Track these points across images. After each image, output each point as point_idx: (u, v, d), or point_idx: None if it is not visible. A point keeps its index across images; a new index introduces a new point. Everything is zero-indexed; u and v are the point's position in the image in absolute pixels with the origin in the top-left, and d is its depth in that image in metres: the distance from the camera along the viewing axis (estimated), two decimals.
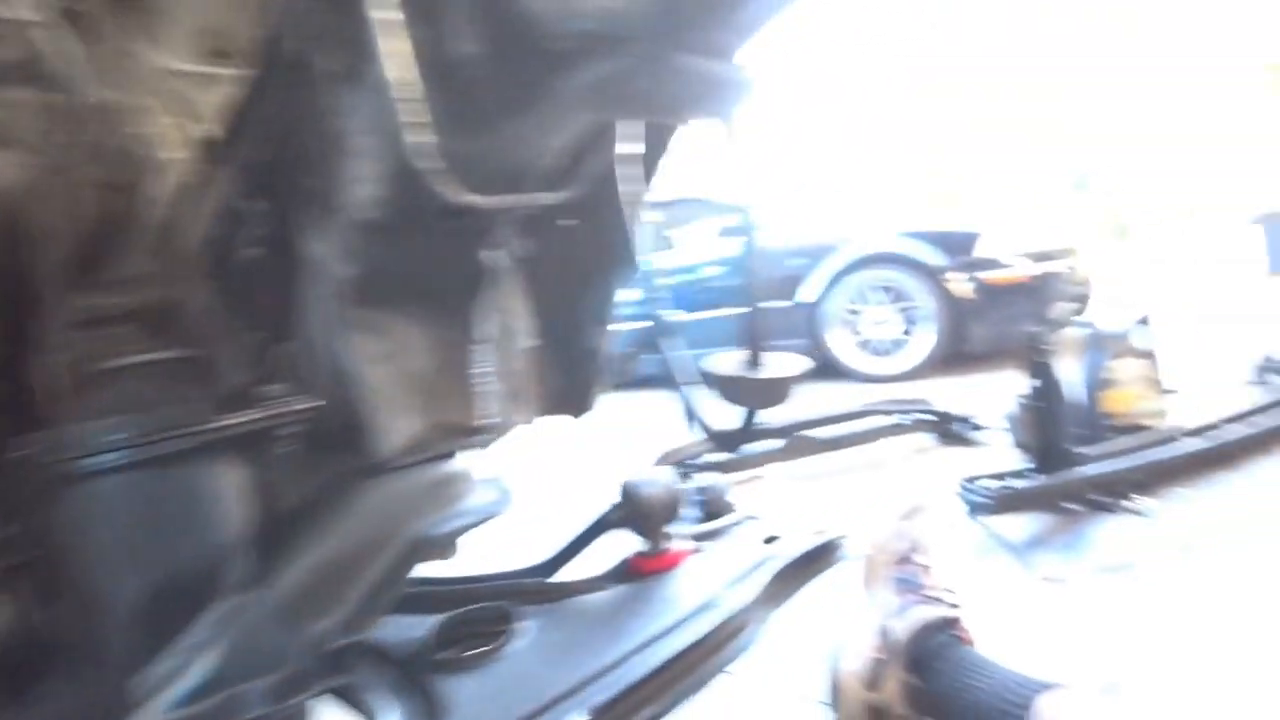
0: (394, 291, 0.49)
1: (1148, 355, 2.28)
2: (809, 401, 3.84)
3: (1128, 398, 2.27)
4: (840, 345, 4.29)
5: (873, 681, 1.05)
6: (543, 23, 0.35)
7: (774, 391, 0.54)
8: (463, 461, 0.55)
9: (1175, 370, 2.37)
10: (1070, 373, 2.27)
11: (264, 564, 0.44)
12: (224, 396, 0.46)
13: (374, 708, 0.48)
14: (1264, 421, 1.97)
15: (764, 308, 4.49)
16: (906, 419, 2.54)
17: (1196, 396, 2.49)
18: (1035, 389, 2.25)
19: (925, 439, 2.58)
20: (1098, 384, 2.25)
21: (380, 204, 0.43)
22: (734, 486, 2.31)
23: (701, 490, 2.20)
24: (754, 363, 0.54)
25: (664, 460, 2.31)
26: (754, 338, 0.52)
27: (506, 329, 1.20)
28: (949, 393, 3.33)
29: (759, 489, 2.36)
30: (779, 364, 0.56)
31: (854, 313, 4.26)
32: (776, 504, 2.16)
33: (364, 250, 0.46)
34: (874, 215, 4.79)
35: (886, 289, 4.17)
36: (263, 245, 0.55)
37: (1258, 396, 2.37)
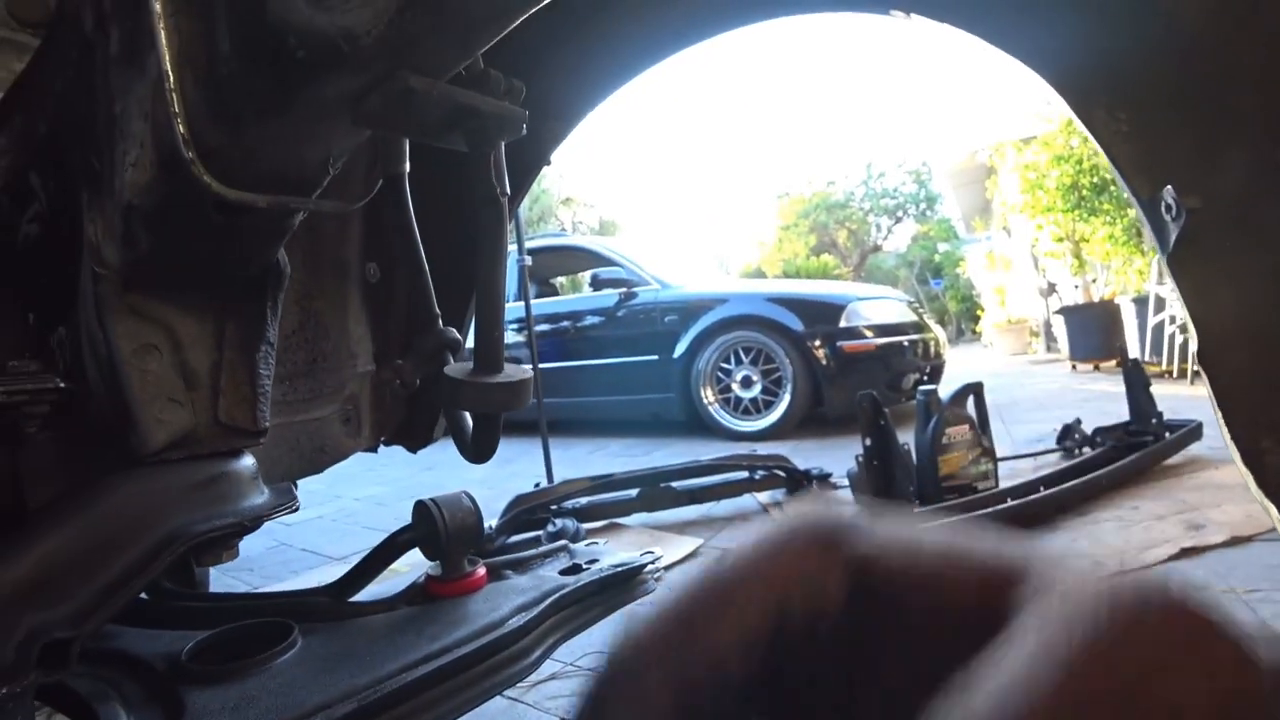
0: (173, 282, 0.49)
1: (977, 423, 2.50)
2: (673, 453, 3.96)
3: (959, 460, 2.47)
4: (709, 401, 4.44)
5: None
6: (288, 30, 0.37)
7: (514, 394, 0.55)
8: (247, 461, 0.54)
9: (998, 437, 2.61)
10: (916, 435, 2.45)
11: None
12: None
13: (105, 713, 0.45)
14: (1068, 483, 2.20)
15: (639, 361, 4.57)
16: (761, 473, 2.64)
17: (1015, 460, 2.77)
18: (870, 448, 2.42)
19: (778, 493, 2.70)
20: (935, 447, 2.44)
21: (152, 191, 0.42)
22: (591, 532, 2.32)
23: (556, 534, 2.19)
24: (490, 367, 0.55)
25: (519, 504, 2.30)
26: (492, 337, 0.53)
27: (344, 349, 1.18)
28: (807, 450, 3.51)
29: (615, 535, 2.38)
30: (514, 368, 0.57)
31: (725, 371, 4.42)
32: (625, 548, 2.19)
33: (137, 236, 0.45)
34: (748, 279, 5.06)
35: (750, 350, 4.37)
36: (40, 222, 0.53)
37: (1061, 460, 2.70)
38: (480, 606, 0.62)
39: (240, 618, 0.61)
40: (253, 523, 0.49)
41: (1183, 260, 0.75)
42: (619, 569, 0.69)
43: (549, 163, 1.26)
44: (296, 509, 0.54)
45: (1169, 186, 0.74)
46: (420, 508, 0.67)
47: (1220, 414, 0.74)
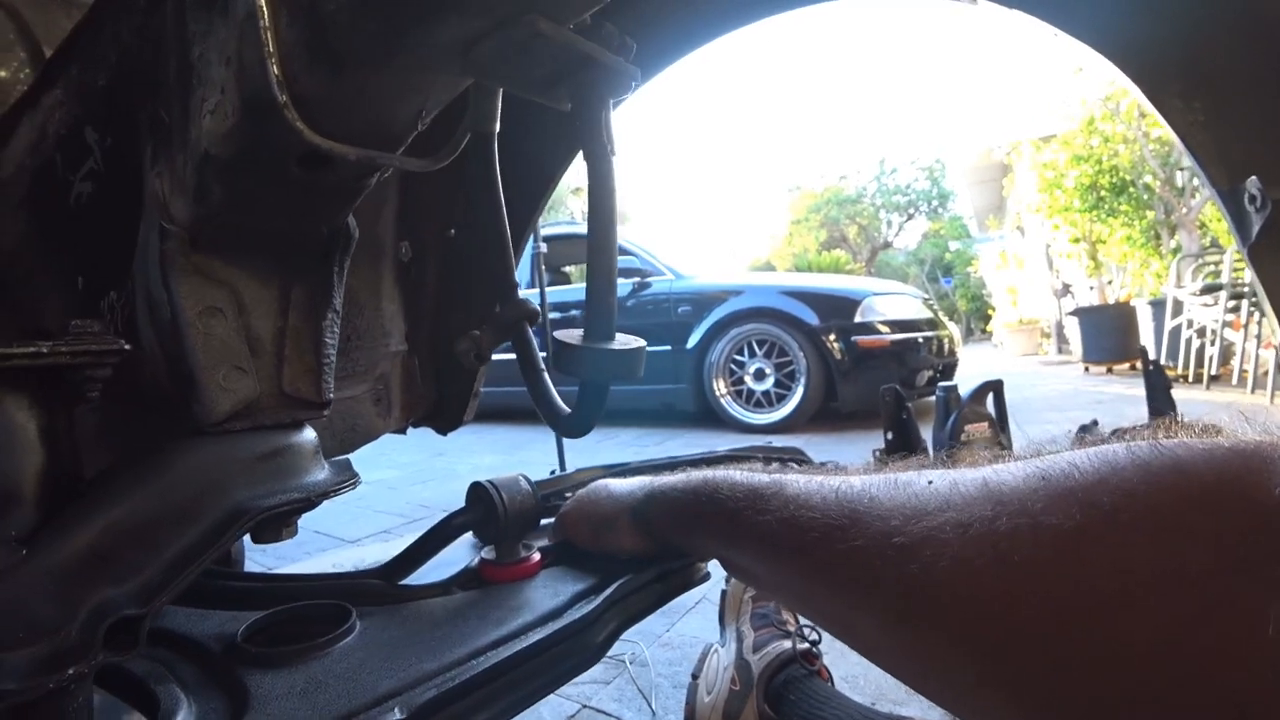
0: (240, 241, 0.46)
1: (995, 420, 2.48)
2: (685, 443, 3.94)
3: (976, 458, 2.44)
4: (722, 393, 4.42)
5: (729, 714, 1.06)
6: None
7: (629, 363, 0.53)
8: (309, 434, 0.52)
9: (1015, 435, 2.58)
10: (934, 431, 2.43)
11: (50, 519, 0.39)
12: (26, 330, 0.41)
13: (165, 696, 0.42)
14: None
15: (652, 351, 4.56)
16: (776, 465, 2.61)
17: None
18: (892, 442, 2.40)
19: None
20: (953, 444, 2.41)
21: (232, 140, 0.40)
22: None
23: None
24: (603, 334, 0.53)
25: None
26: (605, 303, 0.51)
27: (377, 327, 1.16)
28: (821, 444, 3.49)
29: None
30: (627, 337, 0.55)
31: (738, 363, 4.40)
32: None
33: (211, 189, 0.42)
34: (760, 272, 5.03)
35: (764, 343, 4.34)
36: (94, 180, 0.50)
37: None
38: (539, 593, 0.60)
39: (292, 599, 0.59)
40: (318, 498, 0.47)
41: (1265, 253, 0.73)
42: (681, 563, 0.67)
43: None
44: (358, 485, 0.52)
45: (1254, 178, 0.72)
46: (477, 490, 0.65)
47: None
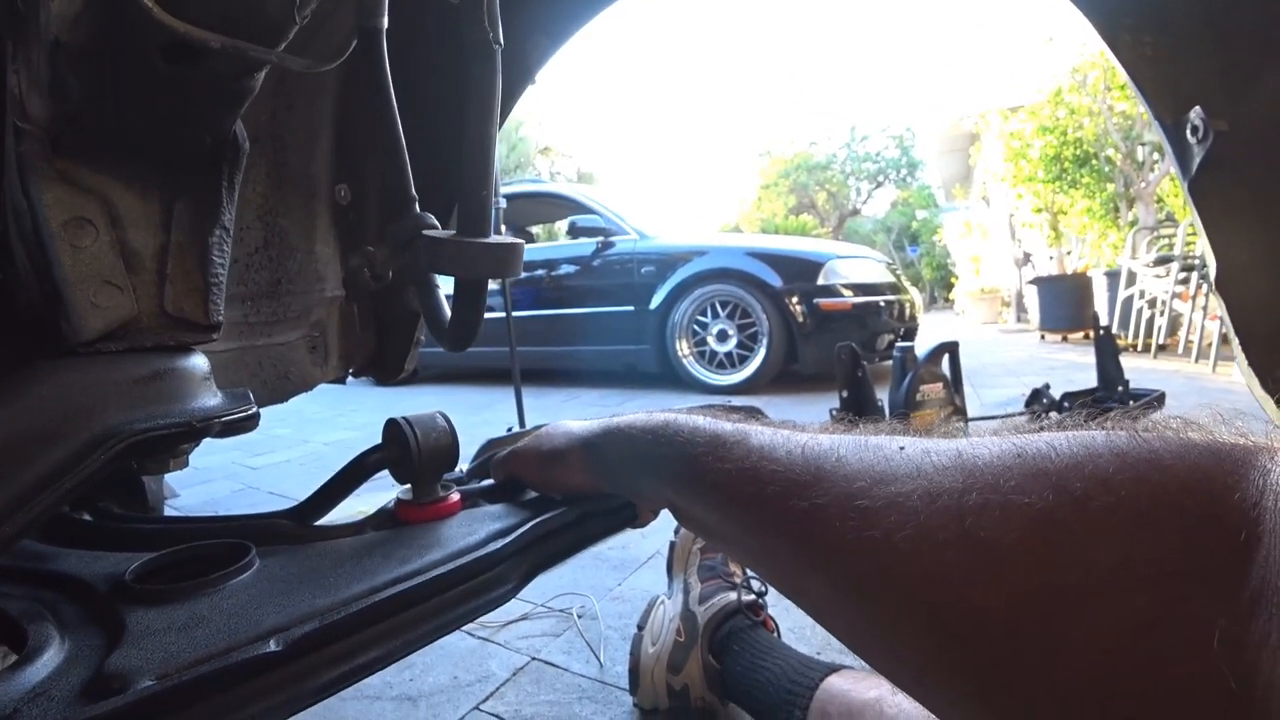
0: (111, 147, 0.42)
1: (949, 381, 2.51)
2: (646, 403, 3.95)
3: (932, 418, 2.47)
4: (684, 354, 4.42)
5: (674, 665, 1.06)
6: None
7: (502, 257, 0.50)
8: (198, 359, 0.48)
9: (968, 399, 2.62)
10: (891, 391, 2.45)
11: None
12: None
13: (36, 634, 0.40)
14: None
15: (615, 311, 4.51)
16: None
17: (984, 421, 2.79)
18: (847, 400, 2.42)
19: None
20: (909, 404, 2.44)
21: (82, 24, 0.36)
22: None
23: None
24: (476, 229, 0.49)
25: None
26: (479, 196, 0.48)
27: (310, 271, 1.11)
28: (780, 404, 3.52)
29: None
30: (503, 236, 0.52)
31: (701, 324, 4.39)
32: None
33: (67, 82, 0.38)
34: (727, 232, 5.01)
35: (727, 304, 4.34)
36: None
37: (1028, 422, 2.73)
38: (454, 531, 0.58)
39: (192, 540, 0.56)
40: (202, 424, 0.44)
41: (1205, 185, 0.73)
42: (601, 498, 0.65)
43: (534, 81, 1.19)
44: (254, 415, 0.49)
45: (1198, 108, 0.72)
46: (392, 426, 0.62)
47: (1238, 340, 0.73)
